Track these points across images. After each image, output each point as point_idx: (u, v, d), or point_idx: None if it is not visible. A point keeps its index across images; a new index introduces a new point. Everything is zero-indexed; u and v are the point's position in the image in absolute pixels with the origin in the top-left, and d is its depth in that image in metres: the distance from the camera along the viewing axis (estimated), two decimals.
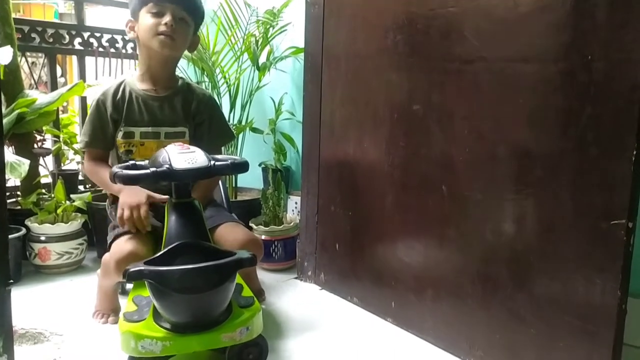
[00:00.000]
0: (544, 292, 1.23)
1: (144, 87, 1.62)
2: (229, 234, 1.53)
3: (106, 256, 1.48)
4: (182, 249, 1.27)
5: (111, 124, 1.59)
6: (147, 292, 1.30)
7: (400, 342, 1.55)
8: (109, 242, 1.49)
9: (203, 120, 1.67)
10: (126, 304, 1.35)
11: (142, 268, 1.17)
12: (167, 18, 1.51)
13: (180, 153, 1.29)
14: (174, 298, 1.20)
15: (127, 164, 1.35)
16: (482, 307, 1.37)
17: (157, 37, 1.52)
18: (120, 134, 1.58)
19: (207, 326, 1.24)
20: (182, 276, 1.17)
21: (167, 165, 1.25)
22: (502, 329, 1.33)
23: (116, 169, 1.26)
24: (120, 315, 1.30)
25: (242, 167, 1.36)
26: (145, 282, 1.21)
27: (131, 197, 1.46)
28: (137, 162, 1.34)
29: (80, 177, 2.50)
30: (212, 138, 1.67)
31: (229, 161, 1.33)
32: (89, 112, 1.62)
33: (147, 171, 1.25)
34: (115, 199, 1.63)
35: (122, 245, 1.41)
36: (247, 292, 1.41)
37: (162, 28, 1.51)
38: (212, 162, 1.29)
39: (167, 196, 1.42)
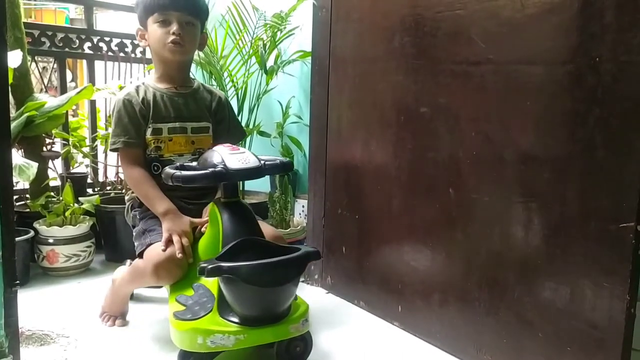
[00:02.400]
0: (552, 296, 1.21)
1: (164, 86, 1.64)
2: None
3: (140, 262, 1.47)
4: (242, 246, 1.30)
5: (142, 121, 1.59)
6: (189, 292, 1.33)
7: (407, 346, 1.54)
8: (139, 250, 1.49)
9: (223, 118, 1.71)
10: (170, 305, 1.34)
11: (220, 264, 1.20)
12: (174, 27, 1.54)
13: (232, 154, 1.33)
14: (253, 292, 1.22)
15: (175, 165, 1.40)
16: (490, 311, 1.36)
17: (167, 46, 1.56)
18: (149, 131, 1.59)
19: (277, 318, 1.28)
20: (263, 270, 1.21)
21: (222, 166, 1.29)
22: (510, 333, 1.32)
23: (171, 170, 1.30)
24: (170, 315, 1.30)
25: (290, 166, 1.44)
26: (220, 278, 1.23)
27: (176, 224, 1.47)
28: (185, 164, 1.40)
29: (89, 180, 2.51)
30: (230, 135, 1.70)
31: (278, 160, 1.40)
32: (114, 115, 1.60)
33: (207, 171, 1.29)
34: (140, 204, 1.63)
35: (160, 250, 1.41)
36: None
37: (171, 37, 1.54)
38: (263, 162, 1.35)
39: (206, 219, 1.46)
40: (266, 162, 1.36)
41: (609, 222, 1.10)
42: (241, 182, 2.47)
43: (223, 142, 1.66)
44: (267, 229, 1.55)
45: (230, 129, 1.71)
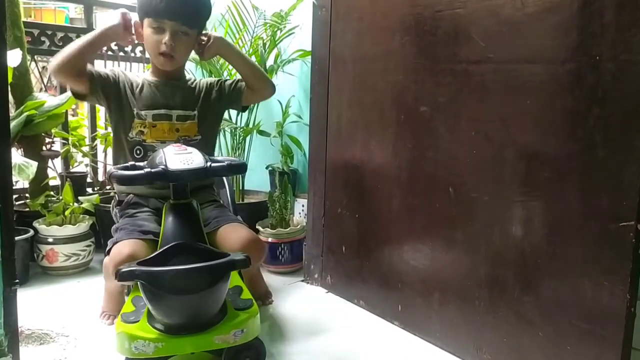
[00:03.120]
0: (552, 295, 1.22)
1: (156, 78, 1.65)
2: (232, 233, 1.53)
3: (106, 260, 1.47)
4: (177, 250, 1.26)
5: (112, 81, 1.59)
6: None
7: (406, 345, 1.54)
8: (108, 247, 1.48)
9: (221, 83, 1.72)
10: (125, 305, 1.34)
11: (134, 269, 1.16)
12: (166, 37, 1.52)
13: (177, 154, 1.29)
14: (166, 299, 1.19)
15: (126, 164, 1.36)
16: (490, 310, 1.36)
17: (158, 56, 1.56)
18: (136, 116, 1.60)
19: (200, 328, 1.23)
20: (174, 277, 1.16)
21: (163, 166, 1.26)
22: (510, 332, 1.32)
23: (113, 169, 1.28)
24: (119, 315, 1.30)
25: (239, 168, 1.37)
26: (138, 283, 1.20)
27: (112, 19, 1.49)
28: (136, 164, 1.36)
29: (88, 180, 2.51)
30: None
31: (226, 162, 1.34)
32: None
33: (142, 172, 1.26)
34: (119, 202, 1.63)
35: (121, 249, 1.40)
36: (246, 294, 1.40)
37: (162, 48, 1.53)
38: (209, 163, 1.30)
39: None
40: (212, 164, 1.30)
41: (609, 221, 1.10)
42: (241, 182, 2.47)
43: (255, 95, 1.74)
44: (242, 232, 1.53)
45: (237, 81, 1.72)
